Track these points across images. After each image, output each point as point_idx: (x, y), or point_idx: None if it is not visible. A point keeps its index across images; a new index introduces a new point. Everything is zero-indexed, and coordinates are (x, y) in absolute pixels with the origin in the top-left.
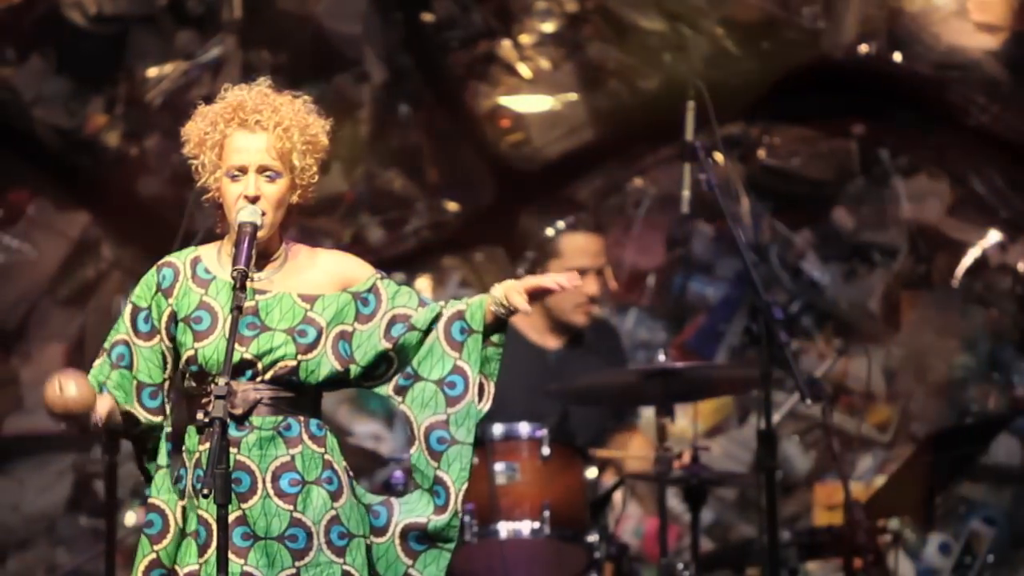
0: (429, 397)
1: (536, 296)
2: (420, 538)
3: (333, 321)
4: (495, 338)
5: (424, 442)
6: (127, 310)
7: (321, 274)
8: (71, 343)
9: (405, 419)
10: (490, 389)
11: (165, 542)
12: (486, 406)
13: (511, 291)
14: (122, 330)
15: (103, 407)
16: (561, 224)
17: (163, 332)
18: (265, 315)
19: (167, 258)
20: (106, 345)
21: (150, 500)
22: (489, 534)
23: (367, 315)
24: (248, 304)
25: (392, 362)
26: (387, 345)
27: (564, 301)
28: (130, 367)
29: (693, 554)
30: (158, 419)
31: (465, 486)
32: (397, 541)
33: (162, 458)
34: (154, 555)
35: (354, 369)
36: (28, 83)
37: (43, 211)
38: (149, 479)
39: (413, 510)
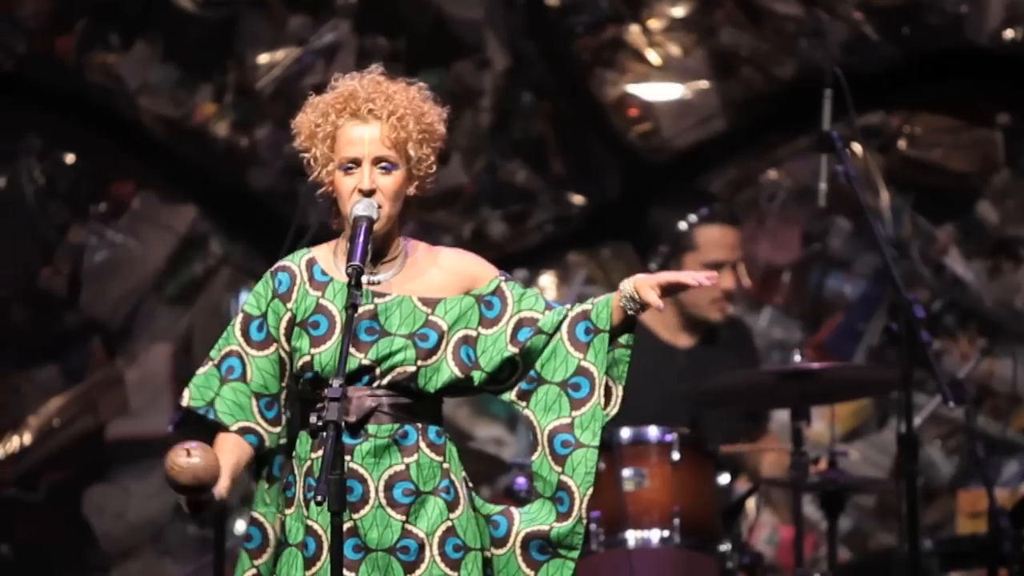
0: (552, 400)
1: (669, 292)
2: (542, 547)
3: (456, 325)
4: (623, 339)
5: (548, 446)
6: (238, 319)
7: (442, 275)
8: (178, 343)
9: (528, 424)
10: (618, 393)
11: (265, 557)
12: (613, 410)
13: (642, 286)
14: (233, 341)
15: (224, 484)
16: (694, 216)
17: (282, 339)
18: (384, 319)
19: (281, 262)
20: (213, 355)
21: (252, 513)
22: (616, 543)
23: (491, 319)
24: (367, 308)
25: (517, 367)
26: (514, 350)
27: (700, 296)
28: (244, 379)
29: (830, 564)
30: (276, 429)
31: (590, 491)
32: (518, 551)
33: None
34: (254, 570)
35: (478, 376)
36: (133, 71)
37: (149, 204)
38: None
39: (535, 519)
